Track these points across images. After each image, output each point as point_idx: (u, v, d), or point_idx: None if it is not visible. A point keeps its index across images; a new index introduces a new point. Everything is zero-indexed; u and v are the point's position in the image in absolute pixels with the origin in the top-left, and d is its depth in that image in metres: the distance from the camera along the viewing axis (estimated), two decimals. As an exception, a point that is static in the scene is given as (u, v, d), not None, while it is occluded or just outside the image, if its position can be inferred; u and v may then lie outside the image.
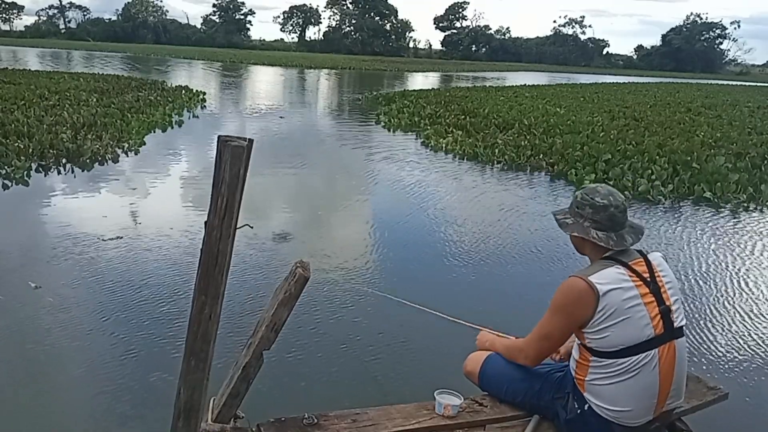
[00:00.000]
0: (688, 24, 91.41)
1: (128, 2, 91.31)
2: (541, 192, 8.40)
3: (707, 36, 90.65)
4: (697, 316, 4.39)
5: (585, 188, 2.18)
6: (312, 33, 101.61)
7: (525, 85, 30.69)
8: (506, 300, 4.61)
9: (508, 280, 5.01)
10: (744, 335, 4.14)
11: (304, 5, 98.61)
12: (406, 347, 3.72)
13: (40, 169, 8.05)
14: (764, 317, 4.47)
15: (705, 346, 3.91)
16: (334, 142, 12.42)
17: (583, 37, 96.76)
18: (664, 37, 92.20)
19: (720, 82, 52.80)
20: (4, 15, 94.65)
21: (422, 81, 36.72)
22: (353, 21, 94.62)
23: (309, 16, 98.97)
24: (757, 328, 4.27)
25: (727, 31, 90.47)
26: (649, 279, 2.02)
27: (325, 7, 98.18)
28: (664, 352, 2.00)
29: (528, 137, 11.88)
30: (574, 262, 4.71)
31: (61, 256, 4.89)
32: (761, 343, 4.02)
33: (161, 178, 8.15)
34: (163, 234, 5.59)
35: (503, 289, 4.81)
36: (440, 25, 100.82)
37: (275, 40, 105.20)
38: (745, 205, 8.00)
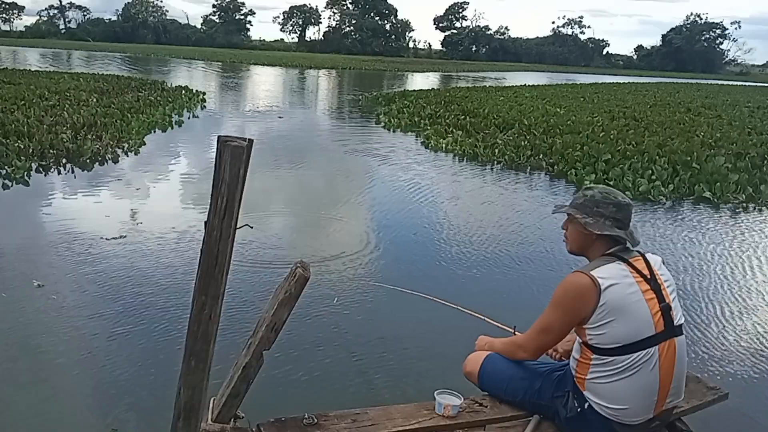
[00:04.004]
0: (688, 24, 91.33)
1: (128, 2, 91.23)
2: (541, 192, 8.40)
3: (707, 36, 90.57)
4: (697, 315, 4.39)
5: (594, 188, 2.16)
6: (312, 33, 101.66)
7: (525, 85, 30.68)
8: (506, 296, 4.62)
9: (507, 277, 5.01)
10: (744, 335, 4.14)
11: (304, 5, 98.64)
12: (406, 347, 3.73)
13: (41, 169, 8.05)
14: (764, 317, 4.47)
15: (705, 346, 3.91)
16: (334, 142, 12.41)
17: (582, 38, 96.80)
18: (664, 37, 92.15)
19: (720, 82, 52.78)
20: (4, 15, 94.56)
21: (422, 81, 36.71)
22: (353, 21, 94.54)
23: (309, 17, 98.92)
24: (757, 328, 4.27)
25: (727, 32, 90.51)
26: (649, 276, 2.04)
27: (325, 7, 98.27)
28: (664, 350, 2.00)
29: (528, 137, 11.88)
30: (572, 260, 4.71)
31: (63, 256, 4.90)
32: (761, 343, 4.02)
33: (161, 178, 8.16)
34: (163, 234, 5.59)
35: (502, 286, 4.81)
36: (440, 25, 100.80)
37: (275, 41, 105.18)
38: (745, 205, 8.01)
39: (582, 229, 2.12)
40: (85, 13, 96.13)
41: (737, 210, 7.80)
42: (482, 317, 2.83)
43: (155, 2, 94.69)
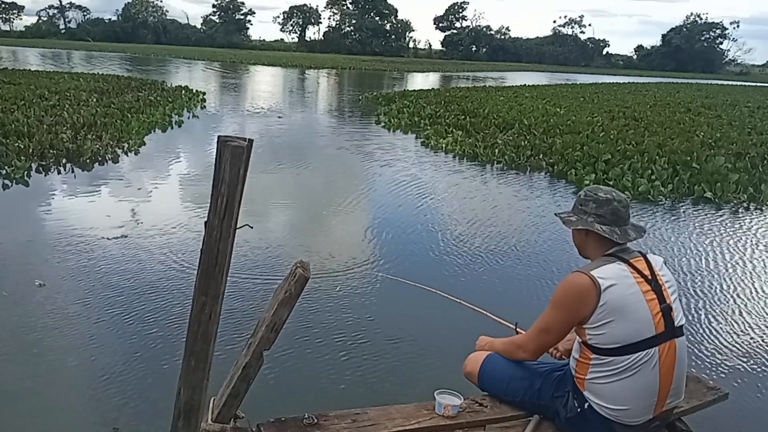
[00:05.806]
0: (688, 24, 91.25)
1: (128, 2, 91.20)
2: (541, 192, 8.40)
3: (707, 36, 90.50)
4: (697, 316, 4.39)
5: (587, 188, 2.21)
6: (312, 33, 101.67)
7: (525, 85, 30.67)
8: (506, 292, 4.62)
9: (507, 274, 5.01)
10: (744, 335, 4.13)
11: (304, 5, 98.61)
12: (406, 347, 3.72)
13: (41, 169, 8.05)
14: (764, 317, 4.47)
15: (705, 346, 3.91)
16: (334, 142, 12.40)
17: (582, 37, 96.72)
18: (664, 37, 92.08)
19: (720, 82, 52.75)
20: (4, 15, 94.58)
21: (422, 81, 36.71)
22: (353, 21, 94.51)
23: (309, 16, 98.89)
24: (757, 328, 4.27)
25: (727, 31, 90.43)
26: (650, 277, 2.04)
27: (325, 7, 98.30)
28: (664, 351, 2.00)
29: (528, 137, 11.89)
30: (573, 260, 4.71)
31: (64, 255, 4.90)
32: (761, 343, 4.02)
33: (161, 178, 8.15)
34: (163, 234, 5.59)
35: (502, 285, 4.81)
36: (440, 25, 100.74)
37: (275, 40, 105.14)
38: (745, 205, 8.00)
39: (570, 227, 2.18)
40: (85, 13, 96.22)
41: (738, 210, 7.80)
42: (483, 312, 2.83)
43: (155, 2, 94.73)
